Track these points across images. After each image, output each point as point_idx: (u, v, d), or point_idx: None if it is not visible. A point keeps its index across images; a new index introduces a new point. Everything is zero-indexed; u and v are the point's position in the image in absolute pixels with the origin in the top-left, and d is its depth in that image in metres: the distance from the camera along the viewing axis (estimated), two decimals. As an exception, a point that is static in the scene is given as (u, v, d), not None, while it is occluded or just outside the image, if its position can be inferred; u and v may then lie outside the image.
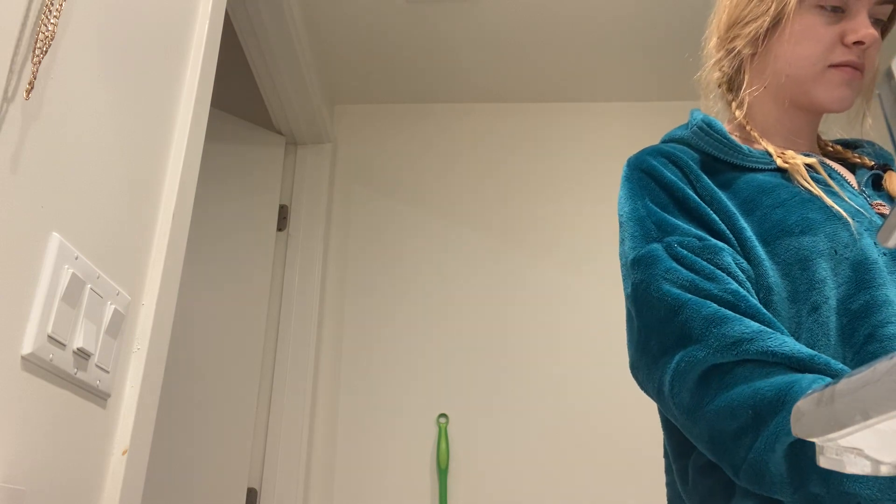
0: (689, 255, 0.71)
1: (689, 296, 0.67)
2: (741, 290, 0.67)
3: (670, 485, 0.79)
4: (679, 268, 0.70)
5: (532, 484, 1.99)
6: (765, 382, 0.59)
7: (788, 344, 0.61)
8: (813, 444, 0.53)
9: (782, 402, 0.57)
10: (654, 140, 2.45)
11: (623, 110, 2.43)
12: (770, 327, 0.64)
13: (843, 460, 0.33)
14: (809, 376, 0.58)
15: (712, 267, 0.69)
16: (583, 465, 2.00)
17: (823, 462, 0.34)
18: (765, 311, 0.66)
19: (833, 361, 0.60)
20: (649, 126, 2.38)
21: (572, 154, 2.39)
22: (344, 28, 2.13)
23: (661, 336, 0.69)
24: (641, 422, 2.00)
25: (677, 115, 2.38)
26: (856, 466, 0.33)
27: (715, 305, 0.66)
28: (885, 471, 0.33)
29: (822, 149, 0.92)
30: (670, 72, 2.28)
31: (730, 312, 0.65)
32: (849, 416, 0.30)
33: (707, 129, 0.83)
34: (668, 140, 0.89)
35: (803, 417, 0.34)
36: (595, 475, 1.99)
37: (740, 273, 0.70)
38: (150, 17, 0.94)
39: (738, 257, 0.72)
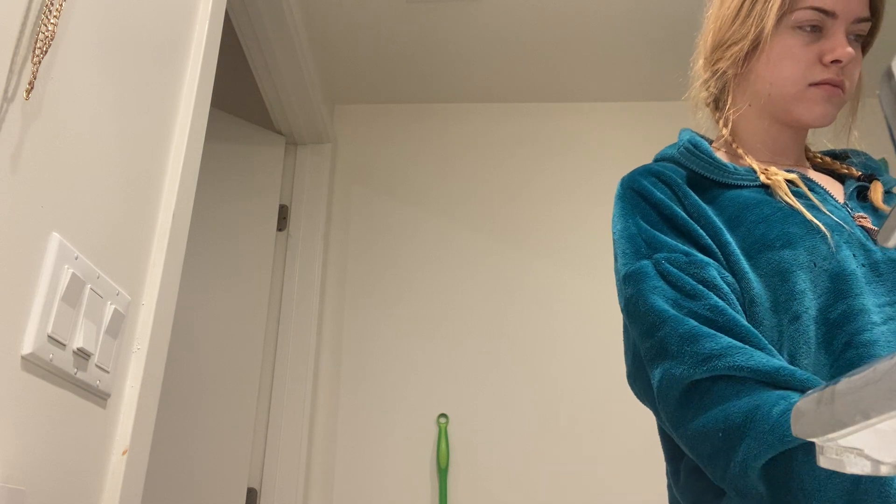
0: (675, 271, 0.75)
1: (672, 313, 0.72)
2: (720, 304, 0.71)
3: (671, 487, 0.81)
4: (664, 285, 0.75)
5: (532, 484, 1.99)
6: (734, 405, 0.64)
7: (755, 357, 0.65)
8: (789, 461, 0.59)
9: (748, 427, 0.61)
10: (653, 140, 2.47)
11: (623, 110, 2.43)
12: (747, 339, 0.68)
13: (843, 460, 0.33)
14: (774, 396, 0.62)
15: (694, 283, 0.73)
16: (583, 464, 2.00)
17: (823, 462, 0.34)
18: (743, 322, 0.70)
19: (798, 372, 0.64)
20: (649, 126, 2.38)
21: (572, 154, 2.39)
22: (344, 28, 2.13)
23: (648, 348, 0.74)
24: (641, 422, 2.00)
25: (677, 116, 2.38)
26: (856, 466, 0.33)
27: (692, 322, 0.70)
28: (885, 471, 0.33)
29: (811, 161, 0.94)
30: (670, 72, 2.28)
31: (705, 329, 0.69)
32: (849, 415, 0.30)
33: (693, 150, 0.87)
34: (659, 159, 0.93)
35: (803, 417, 0.34)
36: (595, 475, 1.99)
37: (724, 286, 0.74)
38: (150, 18, 0.94)
39: (723, 271, 0.76)
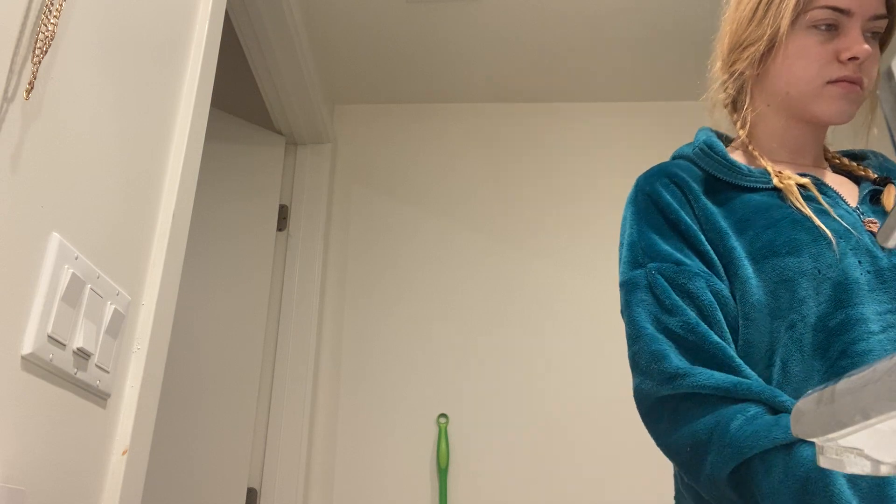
0: (663, 282, 0.79)
1: (648, 330, 0.77)
2: (693, 320, 0.75)
3: (678, 476, 0.85)
4: (650, 298, 0.79)
5: (531, 484, 1.99)
6: (698, 423, 0.70)
7: (714, 377, 0.70)
8: (748, 470, 0.65)
9: (710, 443, 0.68)
10: (654, 140, 2.46)
11: (624, 110, 2.43)
12: (714, 355, 0.73)
13: (843, 460, 0.33)
14: (732, 411, 0.68)
15: (675, 297, 0.77)
16: (582, 464, 2.00)
17: (824, 462, 0.34)
18: (712, 339, 0.74)
19: (755, 385, 0.69)
20: (650, 126, 2.38)
21: (573, 154, 2.38)
22: (344, 28, 2.13)
23: (629, 356, 0.80)
24: (641, 422, 2.00)
25: (678, 116, 2.38)
26: (856, 466, 0.33)
27: (664, 343, 0.75)
28: (885, 471, 0.33)
29: (830, 161, 0.94)
30: (671, 72, 2.28)
31: (671, 351, 0.74)
32: (849, 415, 0.30)
33: (707, 151, 0.89)
34: (676, 156, 0.95)
35: (803, 417, 0.34)
36: (595, 475, 1.99)
37: (708, 297, 0.77)
38: (150, 18, 0.94)
39: (714, 279, 0.79)
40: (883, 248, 0.77)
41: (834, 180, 0.88)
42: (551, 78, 2.34)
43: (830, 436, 0.32)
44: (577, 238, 2.26)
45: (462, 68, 2.30)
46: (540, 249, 2.25)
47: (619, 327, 2.22)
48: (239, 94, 2.37)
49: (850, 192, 0.86)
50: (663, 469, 1.72)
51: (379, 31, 2.14)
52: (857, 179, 0.90)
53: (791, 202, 0.81)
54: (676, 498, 0.84)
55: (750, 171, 0.85)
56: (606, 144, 2.38)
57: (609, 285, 2.17)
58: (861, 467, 0.33)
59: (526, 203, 2.32)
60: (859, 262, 0.76)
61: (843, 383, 0.31)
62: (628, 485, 1.97)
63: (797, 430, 0.35)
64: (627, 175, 2.34)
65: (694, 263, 0.79)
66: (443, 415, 2.07)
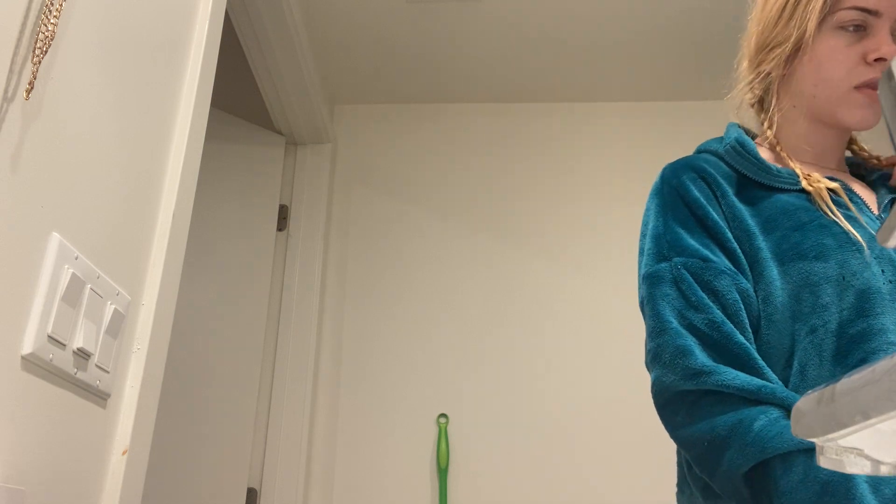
0: (689, 278, 0.78)
1: (673, 325, 0.77)
2: (718, 318, 0.75)
3: (681, 465, 0.84)
4: (675, 293, 0.79)
5: (532, 484, 1.99)
6: (720, 419, 0.70)
7: (740, 378, 0.71)
8: (767, 469, 0.66)
9: (731, 440, 0.68)
10: (656, 141, 2.45)
11: (624, 110, 2.43)
12: (737, 355, 0.72)
13: (843, 460, 0.33)
14: (755, 412, 0.69)
15: (702, 294, 0.77)
16: (582, 464, 2.00)
17: (824, 462, 0.34)
18: (737, 339, 0.74)
19: (779, 390, 0.69)
20: (650, 126, 2.38)
21: (574, 154, 2.38)
22: (344, 28, 2.13)
23: (649, 350, 0.80)
24: (641, 423, 2.00)
25: (678, 116, 2.38)
26: (856, 466, 0.33)
27: (689, 339, 0.75)
28: (885, 471, 0.33)
29: (867, 161, 0.94)
30: (671, 72, 2.28)
31: (696, 347, 0.74)
32: (849, 415, 0.30)
33: (739, 150, 0.88)
34: (703, 150, 0.94)
35: (804, 417, 0.34)
36: (594, 475, 1.99)
37: (734, 295, 0.77)
38: (150, 18, 0.94)
39: (740, 278, 0.78)
40: None
41: (857, 186, 0.88)
42: (552, 78, 2.34)
43: (830, 436, 0.32)
44: (577, 238, 2.26)
45: (462, 68, 2.30)
46: (540, 249, 2.25)
47: (619, 327, 2.22)
48: (239, 94, 2.37)
49: (871, 199, 0.86)
50: (663, 469, 1.72)
51: (379, 31, 2.14)
52: (871, 185, 0.90)
53: (820, 206, 0.81)
54: (679, 486, 0.84)
55: (779, 171, 0.85)
56: (606, 144, 2.38)
57: (609, 285, 2.18)
58: (861, 467, 0.33)
59: (526, 203, 2.32)
60: (882, 270, 0.76)
61: (843, 383, 0.31)
62: (628, 485, 1.97)
63: (797, 430, 0.35)
64: (627, 175, 2.35)
65: (720, 261, 0.79)
66: (443, 415, 2.07)
